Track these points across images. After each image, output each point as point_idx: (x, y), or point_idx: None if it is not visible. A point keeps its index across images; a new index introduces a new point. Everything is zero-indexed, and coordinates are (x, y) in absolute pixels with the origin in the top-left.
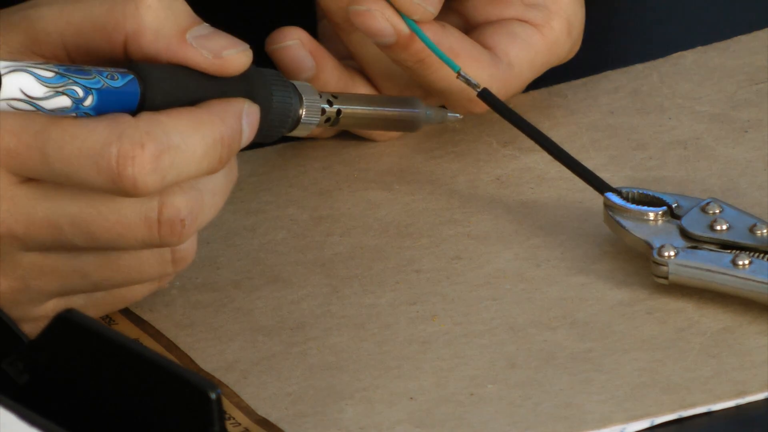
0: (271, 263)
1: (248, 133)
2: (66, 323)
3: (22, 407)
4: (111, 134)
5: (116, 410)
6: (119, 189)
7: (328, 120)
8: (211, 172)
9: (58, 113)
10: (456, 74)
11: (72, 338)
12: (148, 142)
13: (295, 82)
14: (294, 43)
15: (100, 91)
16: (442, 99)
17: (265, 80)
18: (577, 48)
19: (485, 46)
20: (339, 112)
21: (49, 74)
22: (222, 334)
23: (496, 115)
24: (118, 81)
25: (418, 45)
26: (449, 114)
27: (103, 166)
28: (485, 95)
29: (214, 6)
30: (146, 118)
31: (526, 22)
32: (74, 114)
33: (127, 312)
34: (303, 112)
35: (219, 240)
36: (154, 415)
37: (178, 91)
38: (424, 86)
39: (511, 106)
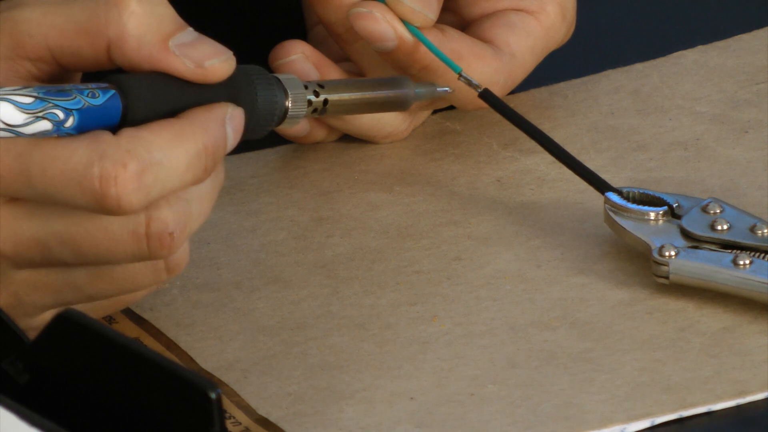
0: (272, 264)
1: (233, 138)
2: (66, 323)
3: (22, 407)
4: (92, 155)
5: (116, 410)
6: (103, 208)
7: (315, 110)
8: (197, 182)
9: (39, 136)
10: (457, 76)
11: (72, 338)
12: (130, 160)
13: (280, 75)
14: (298, 57)
15: (81, 111)
16: (450, 100)
17: (248, 80)
18: (571, 31)
19: (484, 39)
20: (326, 101)
21: (29, 100)
22: (222, 333)
23: (496, 117)
24: (99, 98)
25: (422, 51)
26: (438, 89)
27: (86, 187)
28: (486, 96)
29: (204, 11)
30: (127, 136)
31: (521, 10)
32: (56, 135)
33: (127, 311)
34: (289, 105)
35: (220, 240)
36: (154, 414)
37: (161, 102)
38: None
39: (511, 106)
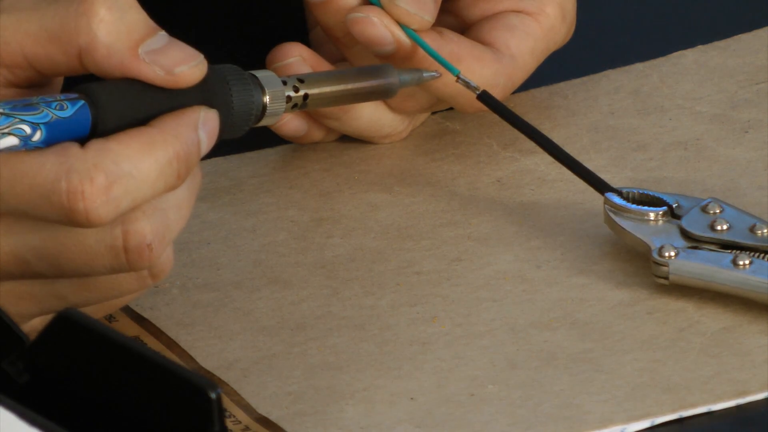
0: (272, 264)
1: (207, 142)
2: (66, 323)
3: (22, 407)
4: (59, 170)
5: (116, 410)
6: (73, 222)
7: (295, 106)
8: (170, 189)
9: (7, 152)
10: (455, 78)
11: (72, 338)
12: (97, 174)
13: (257, 72)
14: (296, 60)
15: (49, 125)
16: (450, 103)
17: (222, 81)
18: (571, 32)
19: (484, 42)
20: (306, 96)
21: None
22: (222, 333)
23: (496, 117)
24: (68, 110)
25: (420, 54)
26: (425, 74)
27: (54, 202)
28: (484, 97)
29: (205, 13)
30: (94, 149)
31: (520, 12)
32: (24, 149)
33: (127, 309)
34: (267, 102)
35: (220, 241)
36: (154, 414)
37: (132, 110)
38: (429, 94)
39: (511, 106)
